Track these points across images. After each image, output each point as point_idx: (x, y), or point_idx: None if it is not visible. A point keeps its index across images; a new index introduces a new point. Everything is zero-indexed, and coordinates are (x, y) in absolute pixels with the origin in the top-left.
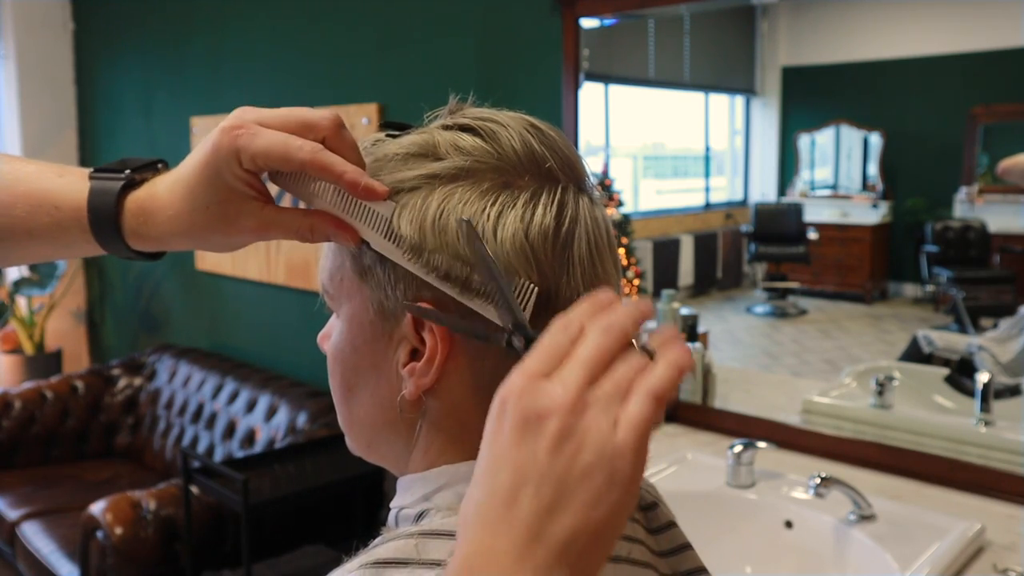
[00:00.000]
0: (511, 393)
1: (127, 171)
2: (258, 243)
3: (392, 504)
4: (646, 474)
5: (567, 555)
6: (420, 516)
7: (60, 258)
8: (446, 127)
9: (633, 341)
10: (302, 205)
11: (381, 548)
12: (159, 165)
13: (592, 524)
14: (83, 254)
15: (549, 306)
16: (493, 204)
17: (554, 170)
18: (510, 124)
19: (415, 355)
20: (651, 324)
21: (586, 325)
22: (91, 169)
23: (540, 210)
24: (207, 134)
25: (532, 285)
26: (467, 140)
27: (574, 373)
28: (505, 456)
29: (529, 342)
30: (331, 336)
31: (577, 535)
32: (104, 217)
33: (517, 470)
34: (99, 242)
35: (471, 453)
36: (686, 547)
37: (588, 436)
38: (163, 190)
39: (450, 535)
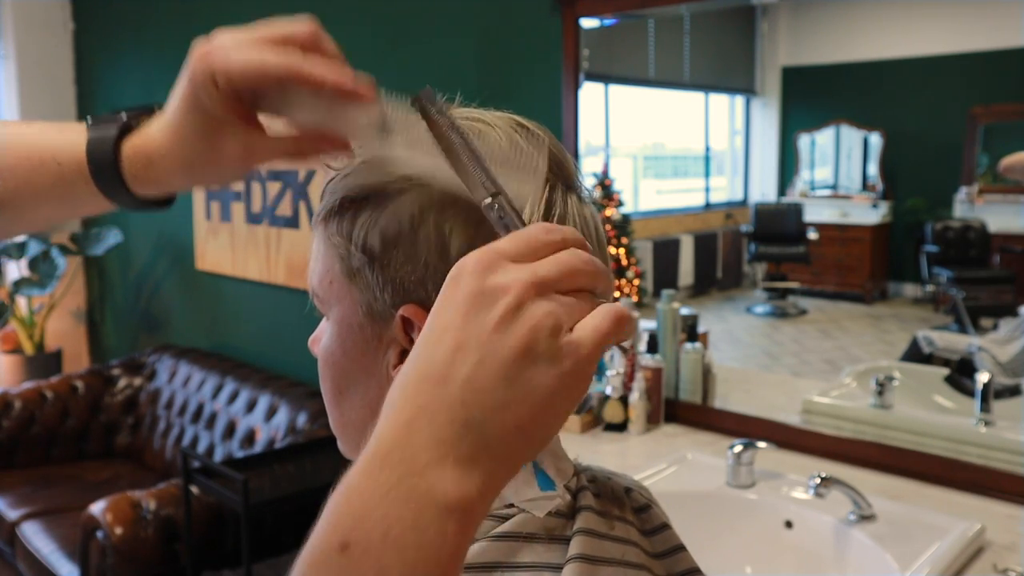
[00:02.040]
0: (470, 262)
1: (122, 115)
2: (258, 243)
3: None
4: (643, 475)
5: (493, 448)
6: None
7: (70, 218)
8: None
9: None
10: None
11: None
12: (155, 107)
13: (526, 420)
14: (93, 211)
15: None
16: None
17: None
18: (497, 124)
19: (405, 357)
20: (651, 324)
21: (569, 244)
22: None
23: (528, 208)
24: None
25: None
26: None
27: (545, 266)
28: (449, 327)
29: (504, 216)
30: (321, 339)
31: (508, 429)
32: (104, 164)
33: (459, 344)
34: (103, 192)
35: None
36: (680, 548)
37: (543, 322)
38: (155, 130)
39: None
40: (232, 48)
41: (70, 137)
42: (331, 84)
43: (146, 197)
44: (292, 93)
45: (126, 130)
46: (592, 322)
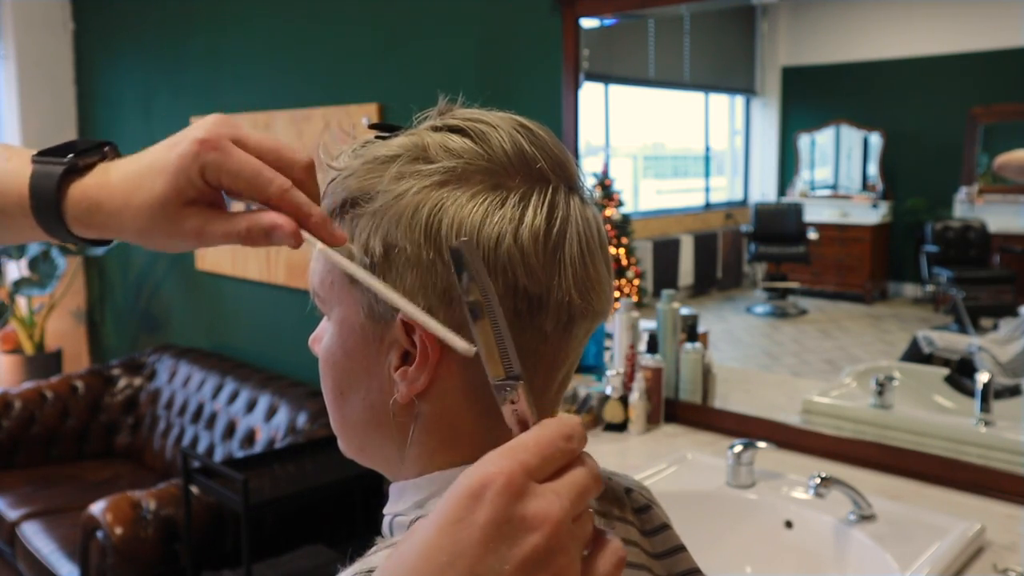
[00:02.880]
0: (498, 479)
1: (70, 156)
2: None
3: (385, 511)
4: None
5: None
6: (414, 523)
7: (17, 242)
8: (435, 128)
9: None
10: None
11: (375, 557)
12: (105, 148)
13: None
14: (30, 239)
15: (540, 308)
16: (483, 206)
17: (545, 171)
18: (500, 125)
19: (407, 358)
20: (651, 324)
21: (577, 447)
22: (35, 151)
23: (531, 211)
24: (174, 136)
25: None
26: (457, 142)
27: (570, 495)
28: (465, 555)
29: (518, 403)
30: (322, 340)
31: None
32: (46, 202)
33: (473, 574)
34: (42, 228)
35: (463, 457)
36: (680, 549)
37: (565, 569)
38: (117, 180)
39: None
40: (233, 151)
41: (16, 167)
42: (312, 224)
43: (86, 236)
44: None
45: (72, 170)
46: (605, 561)
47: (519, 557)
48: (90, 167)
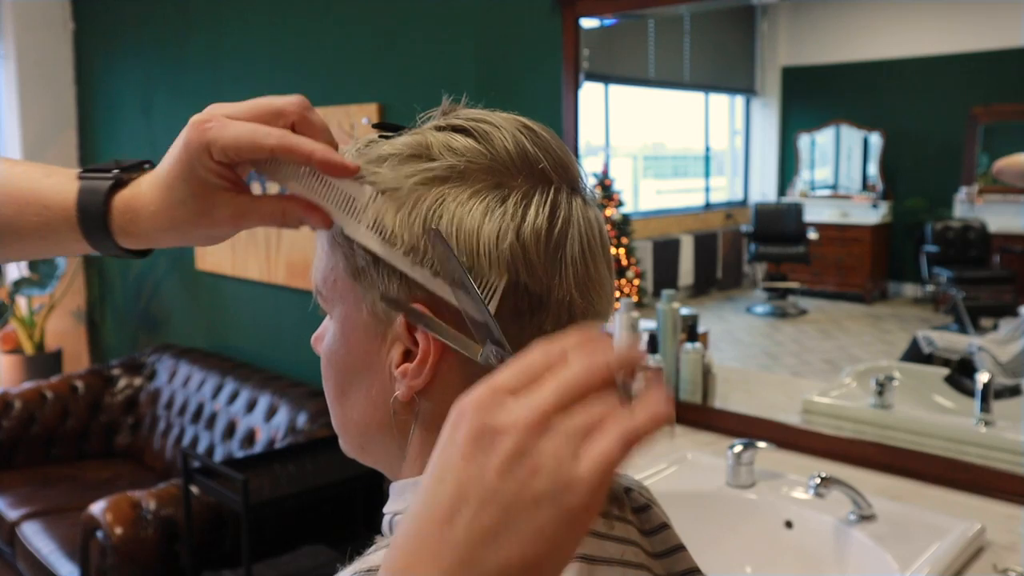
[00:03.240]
0: (470, 403)
1: (115, 170)
2: (258, 243)
3: (385, 509)
4: (643, 475)
5: None
6: None
7: (49, 256)
8: (439, 128)
9: (617, 383)
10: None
11: (374, 556)
12: (146, 165)
13: (529, 559)
14: (72, 252)
15: (541, 307)
16: (484, 203)
17: (547, 171)
18: (503, 125)
19: (408, 356)
20: (651, 324)
21: (570, 353)
22: (79, 169)
23: (532, 211)
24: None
25: (497, 280)
26: (460, 141)
27: (544, 395)
28: (451, 469)
29: (504, 359)
30: (324, 338)
31: (511, 569)
32: (93, 216)
33: (460, 486)
34: (88, 241)
35: None
36: (680, 548)
37: (545, 462)
38: (146, 188)
39: None
40: (227, 122)
41: (60, 183)
42: (318, 160)
43: (129, 248)
44: (282, 163)
45: (119, 184)
46: (599, 449)
47: (495, 462)
48: (131, 181)
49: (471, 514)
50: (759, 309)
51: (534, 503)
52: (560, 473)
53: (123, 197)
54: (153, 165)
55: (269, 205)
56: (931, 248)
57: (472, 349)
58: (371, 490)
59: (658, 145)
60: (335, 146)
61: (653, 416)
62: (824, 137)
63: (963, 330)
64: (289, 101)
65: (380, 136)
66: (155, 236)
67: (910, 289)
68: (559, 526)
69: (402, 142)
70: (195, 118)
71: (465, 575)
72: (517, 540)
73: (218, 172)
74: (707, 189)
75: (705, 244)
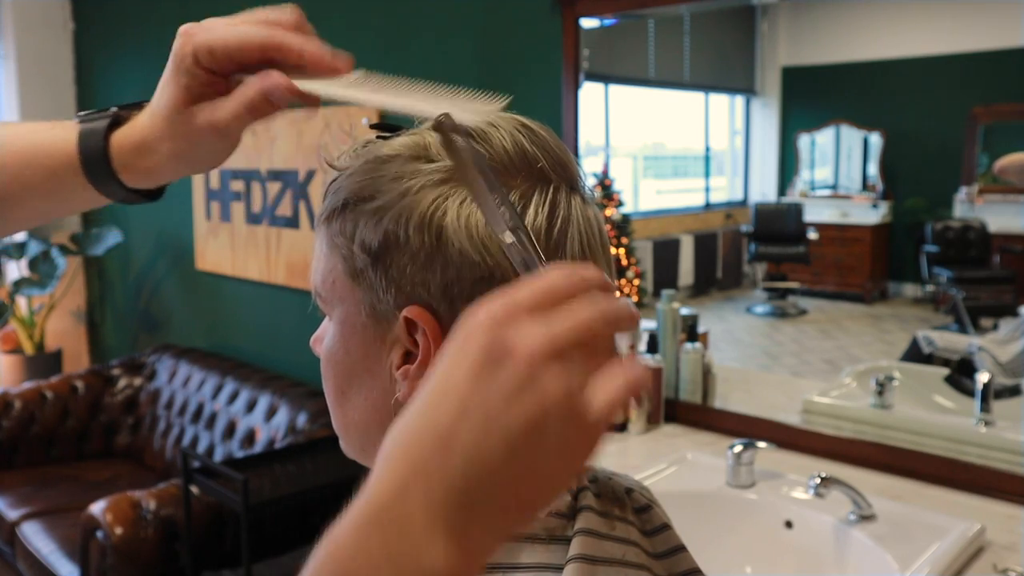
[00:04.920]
0: (486, 316)
1: (113, 109)
2: (258, 243)
3: None
4: (643, 475)
5: (490, 520)
6: None
7: (62, 214)
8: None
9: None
10: None
11: None
12: (142, 104)
13: (527, 491)
14: (84, 205)
15: None
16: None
17: (546, 170)
18: (501, 124)
19: (409, 358)
20: (651, 324)
21: (589, 289)
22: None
23: (532, 210)
24: None
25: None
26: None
27: (562, 323)
28: (456, 386)
29: (526, 252)
30: (324, 339)
31: (508, 500)
32: (95, 155)
33: (464, 406)
34: (93, 183)
35: None
36: (680, 549)
37: (554, 392)
38: (144, 117)
39: None
40: (214, 25)
41: (60, 133)
42: (309, 55)
43: (136, 188)
44: (274, 69)
45: (116, 122)
46: (607, 386)
47: (504, 387)
48: (128, 119)
49: (472, 439)
50: (759, 309)
51: (539, 434)
52: (570, 406)
53: (124, 133)
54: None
55: (247, 91)
56: (931, 248)
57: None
58: None
59: (658, 145)
60: (327, 49)
61: (644, 374)
62: (824, 137)
63: (963, 330)
64: (283, 11)
65: (379, 137)
66: (161, 166)
67: (910, 289)
68: (559, 462)
69: (400, 143)
70: (183, 27)
71: (457, 505)
72: (517, 473)
73: (204, 79)
74: (707, 189)
75: (705, 244)
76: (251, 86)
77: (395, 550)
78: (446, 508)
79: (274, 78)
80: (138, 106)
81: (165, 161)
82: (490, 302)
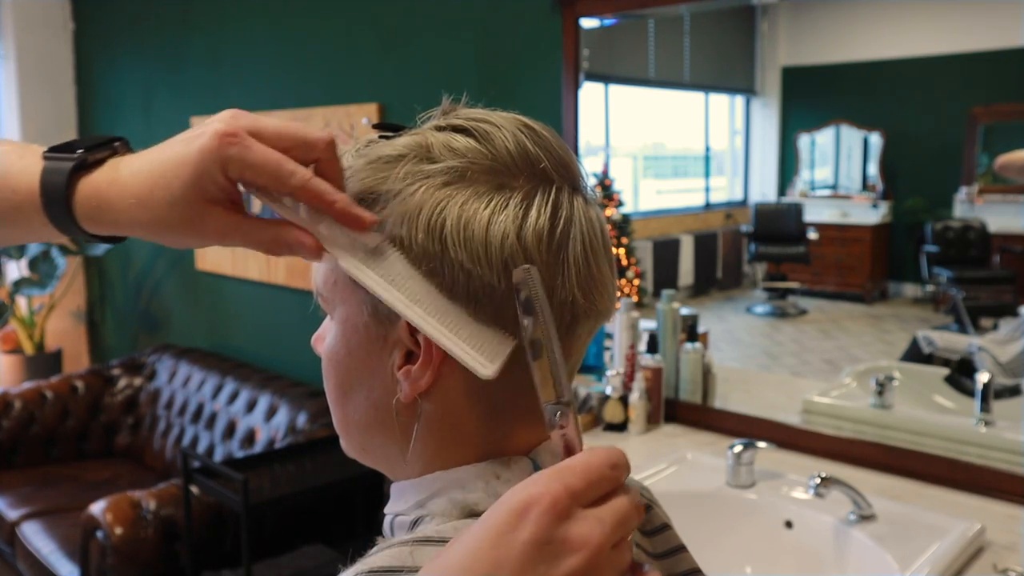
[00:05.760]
0: (544, 499)
1: (79, 151)
2: None
3: (386, 510)
4: (643, 475)
5: None
6: (415, 523)
7: (26, 241)
8: (439, 128)
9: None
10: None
11: (376, 556)
12: (116, 144)
13: None
14: (46, 239)
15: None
16: (487, 205)
17: (548, 171)
18: (504, 125)
19: (410, 358)
20: (651, 324)
21: (622, 482)
22: (45, 148)
23: (534, 211)
24: (190, 131)
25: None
26: (461, 141)
27: (612, 522)
28: (506, 568)
29: (567, 425)
30: (325, 338)
31: None
32: (56, 200)
33: None
34: (54, 224)
35: (465, 457)
36: (681, 549)
37: None
38: (128, 176)
39: (444, 542)
40: (252, 143)
41: (28, 164)
42: (338, 211)
43: (98, 233)
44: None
45: (82, 166)
46: None
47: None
48: (100, 163)
49: None
50: (759, 309)
51: None
52: None
53: (93, 182)
54: (126, 143)
55: (261, 230)
56: (931, 248)
57: (478, 366)
58: (371, 490)
59: (658, 145)
60: (344, 190)
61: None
62: (824, 137)
63: (963, 330)
64: (320, 138)
65: (380, 137)
66: (126, 228)
67: (910, 289)
68: None
69: (402, 143)
70: (218, 126)
71: None
72: None
73: (223, 188)
74: (707, 189)
75: (705, 244)
76: (283, 236)
77: None
78: None
79: (303, 238)
80: (109, 146)
81: (141, 232)
82: (543, 483)
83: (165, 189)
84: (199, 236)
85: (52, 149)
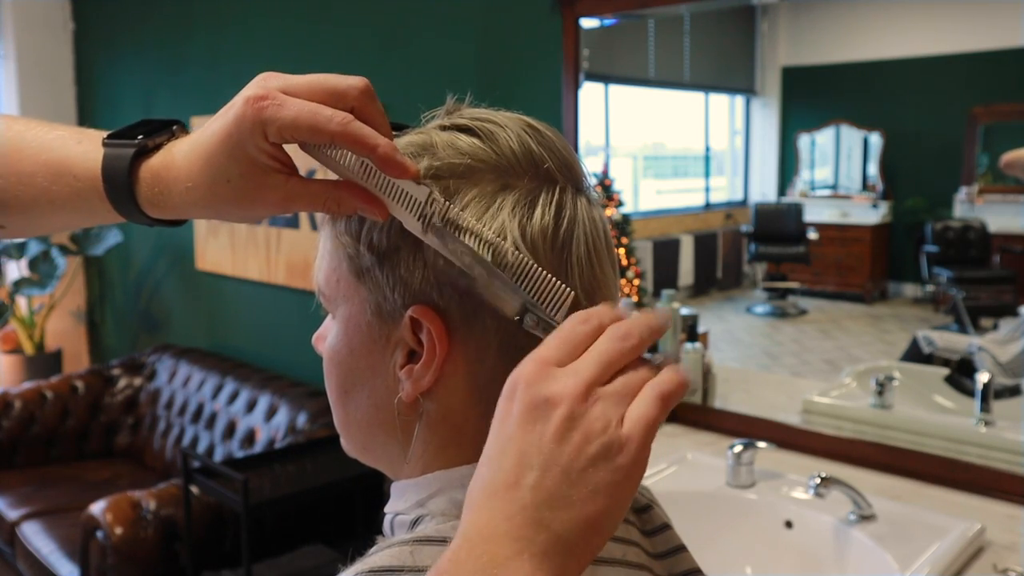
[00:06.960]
0: (522, 377)
1: (139, 137)
2: (258, 243)
3: (386, 509)
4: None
5: (564, 543)
6: (415, 522)
7: (87, 225)
8: (443, 128)
9: (644, 354)
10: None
11: (376, 556)
12: (174, 128)
13: (591, 515)
14: (108, 221)
15: None
16: (491, 205)
17: (552, 171)
18: (508, 124)
19: (412, 357)
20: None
21: (605, 326)
22: (107, 134)
23: (538, 211)
24: (227, 104)
25: (568, 290)
26: (465, 141)
27: (588, 366)
28: (512, 439)
29: (547, 328)
30: (327, 337)
31: (576, 524)
32: (118, 186)
33: (522, 454)
34: (118, 211)
35: (466, 457)
36: (681, 549)
37: (595, 427)
38: (181, 159)
39: (444, 542)
40: (285, 100)
41: (88, 150)
42: (380, 155)
43: (161, 217)
44: (338, 150)
45: (143, 151)
46: (639, 411)
47: (551, 430)
48: (159, 147)
49: (535, 478)
50: (759, 309)
51: (590, 463)
52: (609, 436)
53: (151, 167)
54: (183, 126)
55: (323, 191)
56: (931, 248)
57: (506, 306)
58: (371, 490)
59: (658, 145)
60: (391, 137)
61: (679, 380)
62: (824, 137)
63: (963, 330)
64: (352, 84)
65: None
66: (187, 210)
67: (910, 289)
68: (613, 483)
69: (406, 141)
70: (249, 92)
71: (535, 533)
72: (579, 499)
73: (271, 153)
74: (707, 189)
75: (705, 244)
76: (344, 198)
77: (489, 573)
78: (527, 536)
79: (369, 197)
80: (168, 130)
81: (199, 210)
82: (522, 365)
83: (211, 166)
84: (261, 207)
85: (112, 135)
